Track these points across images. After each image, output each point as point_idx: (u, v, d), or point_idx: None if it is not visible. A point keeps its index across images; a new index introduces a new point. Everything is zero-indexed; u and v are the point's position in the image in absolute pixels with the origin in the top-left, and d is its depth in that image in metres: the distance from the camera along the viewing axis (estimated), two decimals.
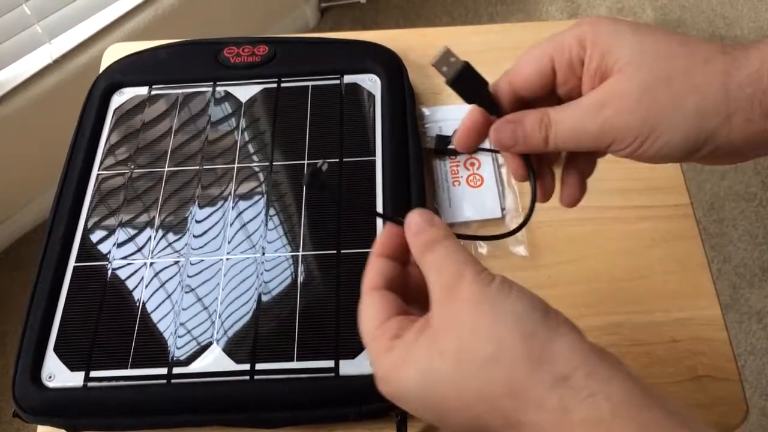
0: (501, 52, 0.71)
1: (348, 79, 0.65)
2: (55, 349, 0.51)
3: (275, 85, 0.65)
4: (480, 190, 0.61)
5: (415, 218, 0.36)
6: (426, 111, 0.66)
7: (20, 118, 1.36)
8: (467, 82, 0.39)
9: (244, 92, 0.65)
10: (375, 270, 0.37)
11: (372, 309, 0.35)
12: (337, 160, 0.60)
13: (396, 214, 0.55)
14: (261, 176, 0.60)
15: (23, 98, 1.34)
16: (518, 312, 0.31)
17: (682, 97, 0.35)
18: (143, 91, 0.66)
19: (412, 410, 0.34)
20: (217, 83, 0.66)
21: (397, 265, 0.37)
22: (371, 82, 0.64)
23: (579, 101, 0.37)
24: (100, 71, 0.68)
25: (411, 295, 0.37)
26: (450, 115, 0.66)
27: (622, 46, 0.36)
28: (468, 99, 0.40)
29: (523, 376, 0.30)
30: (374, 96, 0.63)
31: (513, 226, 0.59)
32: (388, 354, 0.33)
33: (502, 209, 0.60)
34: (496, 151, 0.63)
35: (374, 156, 0.59)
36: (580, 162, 0.42)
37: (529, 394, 0.30)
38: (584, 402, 0.29)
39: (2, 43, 1.30)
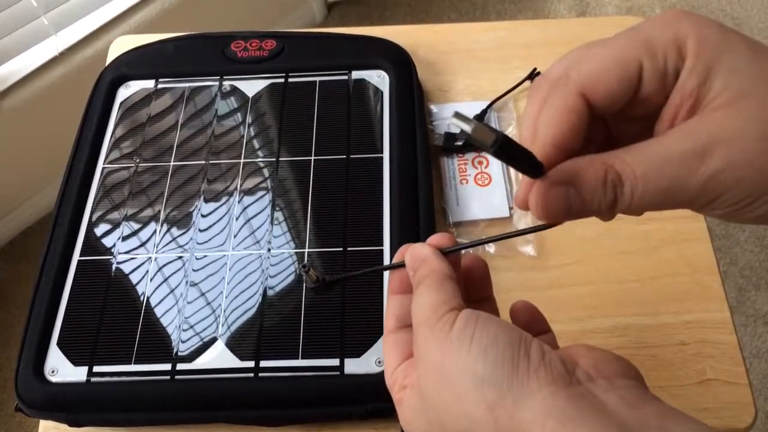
0: (510, 49, 0.70)
1: (356, 74, 0.64)
2: (59, 344, 0.51)
3: (282, 80, 0.64)
4: (488, 188, 0.60)
5: (408, 259, 0.34)
6: (434, 108, 0.66)
7: (25, 111, 1.36)
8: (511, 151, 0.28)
9: (251, 87, 0.64)
10: (389, 312, 0.35)
11: (387, 356, 0.34)
12: (345, 156, 0.59)
13: (404, 212, 0.55)
14: (267, 172, 0.59)
15: (29, 91, 1.34)
16: (479, 376, 0.27)
17: None
18: (149, 84, 0.65)
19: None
20: (224, 77, 0.65)
21: (409, 297, 0.34)
22: (379, 78, 0.64)
23: (664, 144, 0.26)
24: (107, 64, 0.68)
25: None
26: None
27: (737, 67, 0.26)
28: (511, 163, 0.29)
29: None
30: (382, 92, 0.63)
31: (521, 225, 0.59)
32: (400, 406, 0.32)
33: (510, 208, 0.60)
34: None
35: (382, 153, 0.59)
36: None
37: None
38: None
39: (8, 35, 1.30)
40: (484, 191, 0.60)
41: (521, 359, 0.27)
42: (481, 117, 0.64)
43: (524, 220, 0.59)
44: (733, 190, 0.26)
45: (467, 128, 0.26)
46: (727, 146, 0.25)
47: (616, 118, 0.30)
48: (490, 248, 0.58)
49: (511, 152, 0.27)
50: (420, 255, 0.33)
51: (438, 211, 0.59)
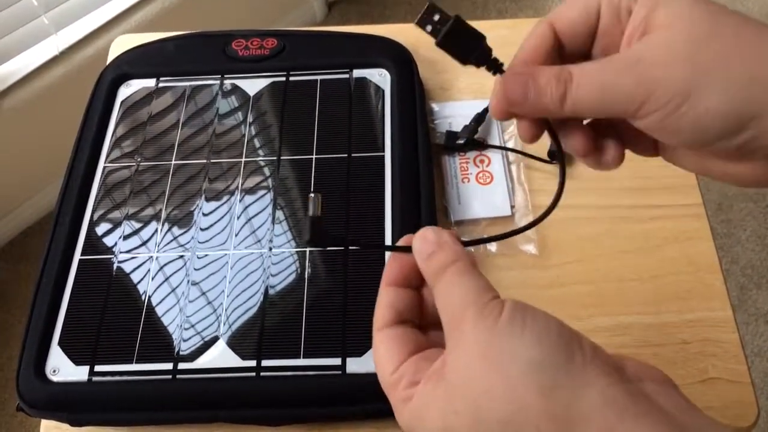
0: (512, 47, 0.70)
1: (357, 73, 0.64)
2: (60, 343, 0.51)
3: (284, 79, 0.64)
4: (489, 187, 0.60)
5: (422, 243, 0.32)
6: (435, 107, 0.66)
7: (26, 111, 1.36)
8: (460, 39, 0.34)
9: (252, 85, 0.64)
10: (385, 304, 0.33)
11: (386, 352, 0.32)
12: (346, 155, 0.59)
13: (405, 211, 0.55)
14: (268, 170, 0.59)
15: (29, 90, 1.34)
16: (534, 360, 0.26)
17: (734, 59, 0.29)
18: (151, 83, 0.65)
19: None
20: (225, 76, 0.65)
21: (409, 291, 0.34)
22: (381, 77, 0.64)
23: (611, 56, 0.32)
24: (108, 63, 0.68)
25: (429, 318, 0.34)
26: (460, 111, 0.65)
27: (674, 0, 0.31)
28: (463, 59, 0.35)
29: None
30: (383, 91, 0.63)
31: (522, 224, 0.59)
32: (408, 404, 0.30)
33: (512, 207, 0.59)
34: (506, 148, 0.62)
35: (383, 152, 0.59)
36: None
37: None
38: None
39: (8, 35, 1.30)
40: (485, 190, 0.60)
41: (576, 350, 0.27)
42: (482, 116, 0.63)
43: (526, 219, 0.59)
44: (663, 87, 0.30)
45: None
46: (658, 51, 0.30)
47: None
48: (492, 247, 0.58)
49: (464, 40, 0.34)
50: (435, 239, 0.32)
51: (439, 210, 0.59)
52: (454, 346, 0.29)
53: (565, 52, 0.35)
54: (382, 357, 0.32)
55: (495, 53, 0.69)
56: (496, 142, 0.63)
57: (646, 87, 0.30)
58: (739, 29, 0.30)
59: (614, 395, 0.25)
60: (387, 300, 0.33)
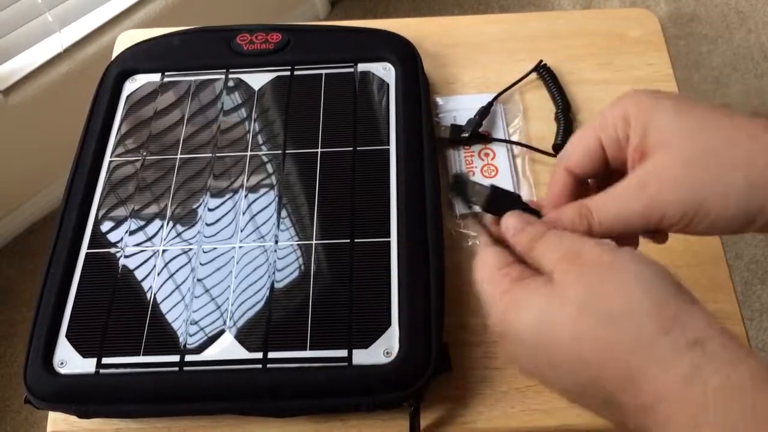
0: (516, 42, 0.70)
1: (362, 67, 0.64)
2: (67, 336, 0.51)
3: (288, 73, 0.64)
4: (494, 180, 0.60)
5: (511, 221, 0.37)
6: (440, 100, 0.66)
7: (30, 108, 1.36)
8: (500, 201, 0.39)
9: (257, 80, 0.64)
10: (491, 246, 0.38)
11: (493, 257, 0.36)
12: (351, 149, 0.59)
13: (410, 205, 0.55)
14: (273, 165, 0.59)
15: (33, 87, 1.34)
16: (650, 279, 0.31)
17: (730, 170, 0.33)
18: (156, 78, 0.65)
19: (520, 357, 0.35)
20: (230, 71, 0.65)
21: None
22: (385, 71, 0.64)
23: (620, 184, 0.36)
24: (113, 58, 0.68)
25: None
26: (464, 104, 0.65)
27: (663, 120, 0.35)
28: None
29: (651, 335, 0.29)
30: (388, 85, 0.63)
31: None
32: (505, 296, 0.34)
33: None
34: (511, 142, 0.62)
35: (388, 145, 0.59)
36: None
37: (656, 354, 0.29)
38: (720, 370, 0.28)
39: (13, 32, 1.30)
40: (491, 182, 0.60)
41: (682, 287, 0.31)
42: (486, 110, 0.63)
43: None
44: (672, 208, 0.34)
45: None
46: (659, 176, 0.35)
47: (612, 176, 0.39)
48: None
49: (503, 202, 0.39)
50: (527, 219, 0.37)
51: (444, 203, 0.59)
52: (571, 265, 0.33)
53: (587, 181, 0.41)
54: (490, 257, 0.36)
55: (501, 47, 0.70)
56: (501, 136, 0.63)
57: (657, 209, 0.35)
58: (731, 136, 0.34)
59: (713, 321, 0.30)
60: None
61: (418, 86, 0.62)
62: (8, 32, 1.30)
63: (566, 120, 0.63)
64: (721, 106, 0.37)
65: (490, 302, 0.35)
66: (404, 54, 0.64)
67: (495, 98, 0.65)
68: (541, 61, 0.66)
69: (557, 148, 0.61)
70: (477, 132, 0.62)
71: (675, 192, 0.34)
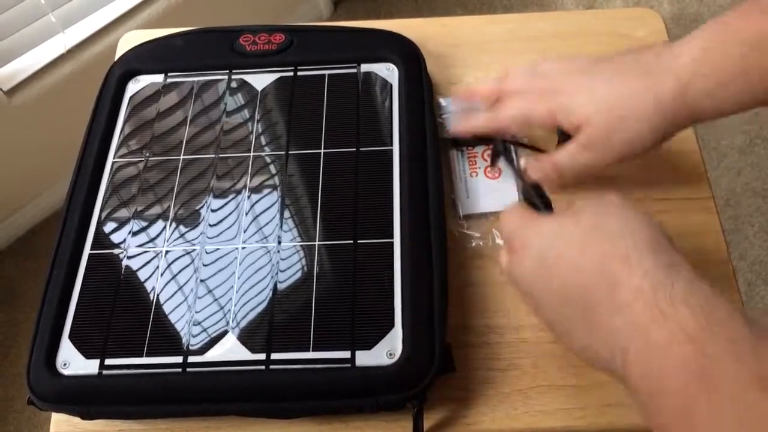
0: (519, 42, 0.70)
1: (365, 68, 0.64)
2: (70, 337, 0.51)
3: (291, 74, 0.64)
4: (498, 181, 0.60)
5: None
6: (443, 101, 0.65)
7: (34, 108, 1.36)
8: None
9: (260, 80, 0.64)
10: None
11: (520, 206, 0.49)
12: (354, 149, 0.59)
13: (413, 205, 0.55)
14: (276, 165, 0.59)
15: (37, 88, 1.35)
16: (648, 221, 0.41)
17: (637, 122, 0.51)
18: (159, 78, 0.65)
19: (523, 270, 0.45)
20: (233, 71, 0.65)
21: None
22: (388, 71, 0.64)
23: (569, 147, 0.55)
24: (116, 58, 0.68)
25: None
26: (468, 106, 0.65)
27: (582, 108, 0.53)
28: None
29: (640, 254, 0.38)
30: (391, 85, 0.63)
31: None
32: (530, 219, 0.46)
33: (520, 200, 0.59)
34: (515, 143, 0.62)
35: (391, 146, 0.59)
36: None
37: (642, 265, 0.37)
38: (687, 280, 0.36)
39: (16, 33, 1.31)
40: (494, 184, 0.60)
41: (670, 240, 0.41)
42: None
43: None
44: (603, 154, 0.53)
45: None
46: (592, 140, 0.53)
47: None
48: (500, 240, 0.58)
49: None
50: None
51: (448, 205, 0.59)
52: (586, 201, 0.44)
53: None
54: (518, 207, 0.49)
55: (505, 47, 0.70)
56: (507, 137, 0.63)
57: (600, 160, 0.54)
58: (635, 100, 0.51)
59: (689, 266, 0.38)
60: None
61: (421, 87, 0.62)
62: (12, 33, 1.30)
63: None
64: (619, 61, 0.54)
65: (512, 221, 0.47)
66: (407, 54, 0.64)
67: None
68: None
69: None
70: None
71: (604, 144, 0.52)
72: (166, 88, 0.65)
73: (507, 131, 0.60)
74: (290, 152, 0.60)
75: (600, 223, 0.41)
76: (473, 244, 0.58)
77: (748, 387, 0.31)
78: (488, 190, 0.60)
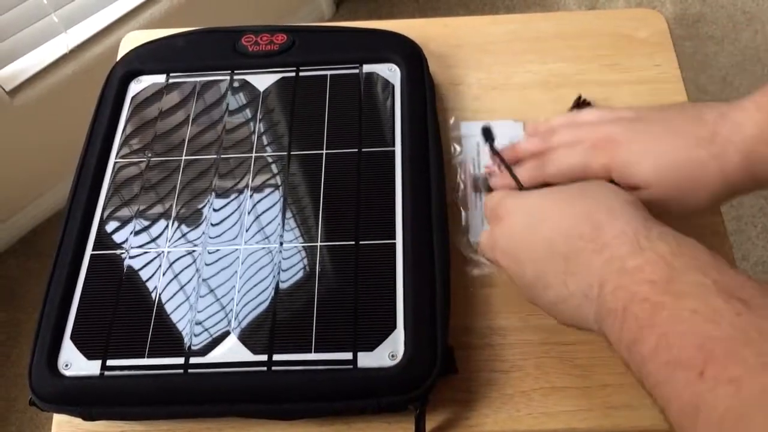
0: (522, 43, 0.70)
1: (367, 68, 0.64)
2: (72, 338, 0.51)
3: (293, 74, 0.64)
4: None
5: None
6: (463, 126, 0.63)
7: (36, 108, 1.36)
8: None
9: (262, 81, 0.64)
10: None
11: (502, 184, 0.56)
12: (356, 150, 0.59)
13: (415, 206, 0.55)
14: (278, 166, 0.59)
15: (39, 88, 1.35)
16: (634, 196, 0.45)
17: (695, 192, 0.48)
18: (161, 79, 0.65)
19: (504, 237, 0.48)
20: (235, 72, 0.65)
21: None
22: (391, 72, 0.63)
23: None
24: (118, 59, 0.68)
25: None
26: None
27: (640, 169, 0.48)
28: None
29: (622, 208, 0.42)
30: (394, 86, 0.62)
31: None
32: (510, 191, 0.51)
33: None
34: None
35: (393, 147, 0.59)
36: None
37: (624, 216, 0.42)
38: (665, 228, 0.40)
39: (18, 33, 1.31)
40: None
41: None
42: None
43: None
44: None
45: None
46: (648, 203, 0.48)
47: None
48: None
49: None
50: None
51: (451, 205, 0.59)
52: None
53: None
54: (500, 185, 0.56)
55: (507, 48, 0.70)
56: None
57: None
58: (695, 168, 0.48)
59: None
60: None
61: (423, 87, 0.62)
62: (14, 33, 1.30)
63: None
64: (673, 116, 0.50)
65: (495, 196, 0.50)
66: (410, 55, 0.64)
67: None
68: (580, 96, 0.64)
69: None
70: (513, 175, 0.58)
71: (661, 208, 0.47)
72: (168, 88, 0.65)
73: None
74: (292, 153, 0.59)
75: (584, 188, 0.46)
76: (484, 271, 0.57)
77: (713, 294, 0.34)
78: None
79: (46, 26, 1.33)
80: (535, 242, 0.45)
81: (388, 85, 0.63)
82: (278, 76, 0.64)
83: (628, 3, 1.86)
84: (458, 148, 0.63)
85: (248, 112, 0.63)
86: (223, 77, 0.65)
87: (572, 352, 0.52)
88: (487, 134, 0.60)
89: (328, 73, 0.64)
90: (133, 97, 0.64)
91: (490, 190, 0.59)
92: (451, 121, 0.64)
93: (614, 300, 0.38)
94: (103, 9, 1.38)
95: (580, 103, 0.64)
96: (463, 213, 0.59)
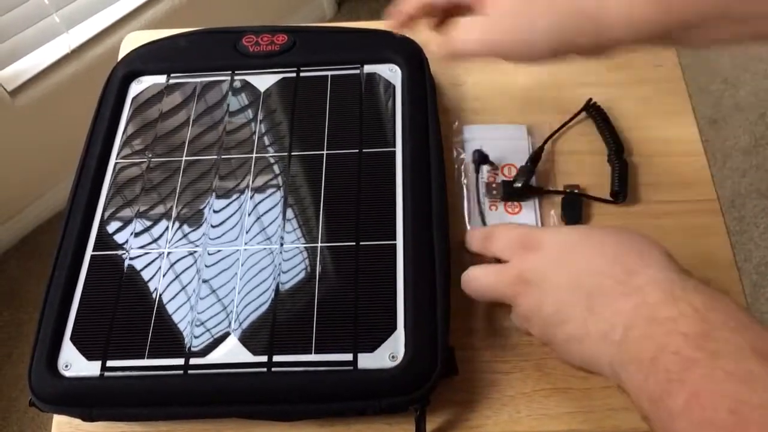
0: None
1: (368, 68, 0.64)
2: (72, 338, 0.51)
3: (294, 75, 0.64)
4: (518, 217, 0.59)
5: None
6: (466, 132, 0.64)
7: (37, 108, 1.36)
8: None
9: (263, 81, 0.64)
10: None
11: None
12: (357, 151, 0.59)
13: (416, 207, 0.55)
14: (279, 166, 0.59)
15: (41, 88, 1.35)
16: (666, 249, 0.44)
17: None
18: (162, 79, 0.65)
19: (546, 260, 0.45)
20: (236, 72, 0.65)
21: None
22: (391, 72, 0.63)
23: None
24: (119, 59, 0.68)
25: None
26: (490, 134, 0.63)
27: None
28: None
29: (657, 258, 0.41)
30: (394, 86, 0.62)
31: None
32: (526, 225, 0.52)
33: None
34: (567, 193, 0.59)
35: (394, 147, 0.59)
36: None
37: (658, 264, 0.40)
38: (698, 281, 0.39)
39: (20, 33, 1.31)
40: (513, 219, 0.59)
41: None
42: (538, 155, 0.61)
43: None
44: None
45: None
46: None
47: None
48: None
49: None
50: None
51: (450, 206, 0.59)
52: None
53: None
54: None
55: None
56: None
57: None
58: None
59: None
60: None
61: (424, 88, 0.62)
62: (15, 33, 1.30)
63: (621, 163, 0.60)
64: None
65: (514, 228, 0.49)
66: (411, 55, 0.64)
67: (545, 141, 0.61)
68: (591, 99, 0.64)
69: (616, 195, 0.59)
70: (529, 184, 0.59)
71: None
72: (169, 88, 0.65)
73: None
74: (293, 153, 0.59)
75: (620, 232, 0.44)
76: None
77: (748, 356, 0.33)
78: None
79: (48, 26, 1.33)
80: (561, 274, 0.43)
81: (389, 86, 0.63)
82: (279, 76, 0.64)
83: None
84: (461, 152, 0.63)
85: (249, 113, 0.63)
86: (224, 78, 0.65)
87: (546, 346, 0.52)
88: (482, 159, 0.60)
89: (329, 73, 0.64)
90: (134, 98, 0.64)
91: (492, 196, 0.60)
92: (455, 125, 0.64)
93: (640, 349, 0.37)
94: (104, 9, 1.38)
95: (590, 107, 0.64)
96: (465, 214, 0.59)
